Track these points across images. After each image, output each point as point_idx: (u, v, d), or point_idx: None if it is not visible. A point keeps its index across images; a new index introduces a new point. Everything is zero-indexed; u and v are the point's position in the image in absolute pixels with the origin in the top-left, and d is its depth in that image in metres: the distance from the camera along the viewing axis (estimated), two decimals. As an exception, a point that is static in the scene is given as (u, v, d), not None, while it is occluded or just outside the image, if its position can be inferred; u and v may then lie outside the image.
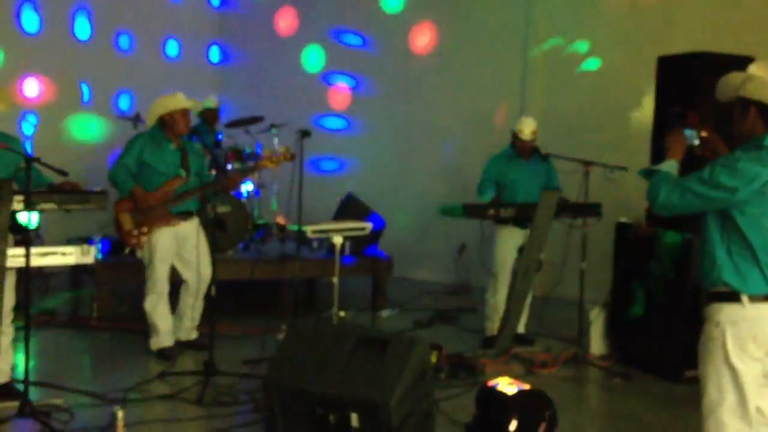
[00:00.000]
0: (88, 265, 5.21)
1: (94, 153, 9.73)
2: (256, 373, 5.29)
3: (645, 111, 7.45)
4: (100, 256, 6.91)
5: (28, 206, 4.30)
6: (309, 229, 6.18)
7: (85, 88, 9.87)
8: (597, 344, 6.27)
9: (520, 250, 6.16)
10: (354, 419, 3.93)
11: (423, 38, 9.65)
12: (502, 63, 9.11)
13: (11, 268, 4.39)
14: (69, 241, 7.47)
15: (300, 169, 6.74)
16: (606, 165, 6.28)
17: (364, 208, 7.94)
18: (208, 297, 5.83)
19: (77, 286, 8.03)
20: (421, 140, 9.65)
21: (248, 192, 8.25)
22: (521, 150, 6.39)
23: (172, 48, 10.63)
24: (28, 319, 4.41)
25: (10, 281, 4.52)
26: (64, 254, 4.53)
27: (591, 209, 6.23)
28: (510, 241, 6.30)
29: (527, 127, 6.34)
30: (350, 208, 8.01)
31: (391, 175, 9.74)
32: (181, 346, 6.01)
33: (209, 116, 8.56)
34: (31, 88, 9.45)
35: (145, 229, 5.72)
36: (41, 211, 4.63)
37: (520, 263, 6.03)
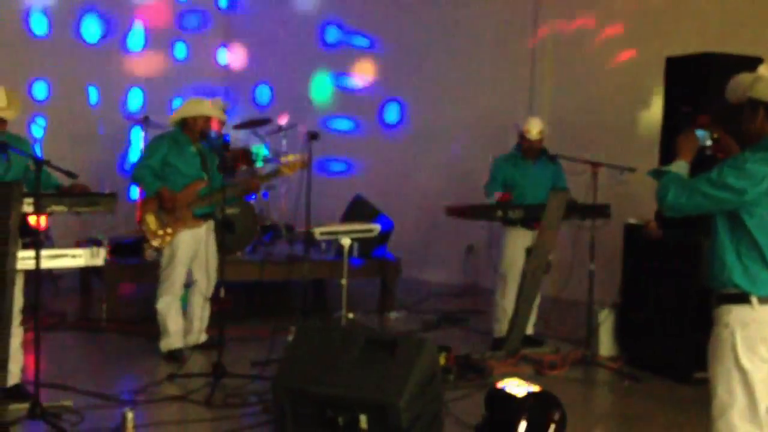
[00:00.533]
0: (97, 267, 5.22)
1: (103, 155, 9.78)
2: (265, 375, 5.29)
3: (653, 112, 7.44)
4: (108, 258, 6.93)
5: (38, 209, 4.32)
6: (317, 231, 6.18)
7: (93, 91, 9.90)
8: (606, 346, 6.26)
9: (529, 251, 6.15)
10: (363, 421, 3.94)
11: (430, 39, 9.64)
12: (510, 64, 9.10)
13: (21, 271, 4.41)
14: (78, 243, 7.49)
15: (308, 171, 6.75)
16: (614, 166, 6.27)
17: (372, 210, 7.94)
18: (216, 299, 5.85)
19: (86, 288, 8.05)
20: (429, 141, 9.65)
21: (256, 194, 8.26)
22: (528, 150, 6.38)
23: (180, 50, 10.66)
24: (38, 321, 4.42)
25: (19, 283, 4.53)
26: (73, 256, 4.54)
27: (599, 210, 6.22)
28: (518, 242, 6.29)
29: (534, 127, 6.33)
30: (358, 209, 8.02)
31: (398, 176, 9.75)
32: (191, 349, 6.02)
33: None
34: (40, 90, 9.49)
35: (170, 230, 5.77)
36: (51, 214, 4.63)
37: (528, 265, 6.02)
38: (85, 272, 7.90)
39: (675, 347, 5.70)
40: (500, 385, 4.41)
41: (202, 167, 5.84)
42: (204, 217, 5.89)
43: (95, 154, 9.55)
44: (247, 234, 7.44)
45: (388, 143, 9.97)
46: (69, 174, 4.37)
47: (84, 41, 9.82)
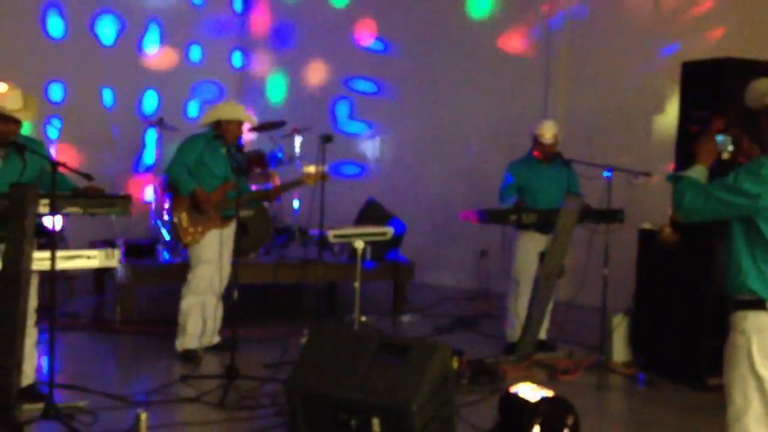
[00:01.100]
0: (111, 268, 5.25)
1: (118, 157, 9.82)
2: (278, 377, 5.30)
3: (669, 116, 7.41)
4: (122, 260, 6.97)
5: (53, 210, 4.34)
6: (331, 234, 6.19)
7: (108, 93, 9.95)
8: (619, 351, 6.22)
9: (542, 255, 6.13)
10: (375, 424, 3.93)
11: (445, 43, 9.64)
12: (524, 67, 9.08)
13: (36, 271, 4.43)
14: (92, 245, 7.53)
15: (324, 179, 6.76)
16: (629, 170, 6.24)
17: (386, 213, 7.94)
18: (228, 300, 5.87)
19: (100, 289, 8.09)
20: (442, 145, 9.64)
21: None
22: (542, 154, 6.36)
23: (195, 53, 10.70)
24: (53, 321, 4.44)
25: (34, 283, 4.56)
26: (88, 257, 4.57)
27: (614, 215, 6.20)
28: (531, 246, 6.27)
29: (548, 131, 6.31)
30: (371, 212, 8.02)
31: (412, 180, 9.74)
32: (204, 351, 6.04)
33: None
34: (56, 92, 9.55)
35: (200, 228, 5.83)
36: (66, 215, 4.65)
37: (542, 269, 6.00)
38: (100, 273, 7.93)
39: (689, 353, 5.67)
40: (513, 389, 4.40)
41: (231, 169, 5.88)
42: (229, 218, 5.95)
43: (110, 156, 9.59)
44: (260, 236, 7.45)
45: (402, 146, 9.96)
46: (84, 176, 4.39)
47: (100, 43, 9.87)
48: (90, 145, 9.38)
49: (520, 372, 5.70)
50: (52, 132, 9.44)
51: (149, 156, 9.73)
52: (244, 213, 6.88)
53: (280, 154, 8.34)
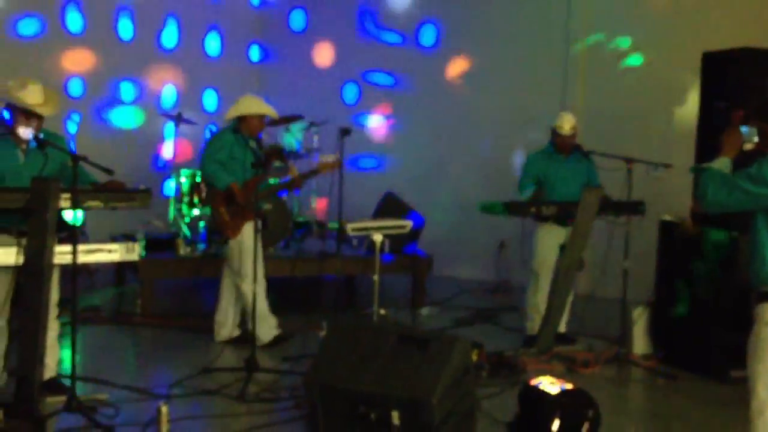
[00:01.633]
0: (132, 262, 5.28)
1: (138, 151, 9.87)
2: (298, 370, 5.31)
3: (689, 107, 7.35)
4: (144, 254, 7.01)
5: (75, 204, 4.37)
6: (349, 227, 6.20)
7: (128, 87, 10.00)
8: (640, 344, 6.20)
9: (562, 248, 6.11)
10: (395, 417, 3.93)
11: (461, 33, 9.60)
12: (542, 59, 9.04)
13: (57, 265, 4.47)
14: (113, 238, 7.58)
15: (340, 167, 6.75)
16: (649, 162, 6.20)
17: (404, 206, 7.93)
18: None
19: (121, 282, 8.15)
20: (460, 137, 9.62)
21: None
22: (561, 146, 6.33)
23: (213, 47, 10.73)
24: (75, 315, 4.47)
25: (55, 277, 4.59)
26: (109, 251, 4.60)
27: (634, 207, 6.16)
28: (551, 239, 6.25)
29: (567, 123, 6.28)
30: (390, 205, 8.02)
31: (430, 172, 9.73)
32: (224, 343, 6.08)
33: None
34: (76, 87, 9.60)
35: (239, 222, 5.90)
36: (87, 209, 4.68)
37: (561, 262, 5.98)
38: (121, 267, 7.98)
39: (711, 345, 5.63)
40: (534, 382, 4.38)
41: (252, 163, 5.92)
42: (261, 210, 6.04)
43: (130, 151, 9.64)
44: (279, 230, 7.47)
45: (420, 139, 9.95)
46: (105, 170, 4.41)
47: (119, 38, 9.91)
48: (109, 139, 9.42)
49: (539, 365, 5.69)
50: (72, 126, 9.50)
51: (168, 150, 9.78)
52: (265, 206, 6.92)
53: (297, 148, 8.35)
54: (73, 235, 4.43)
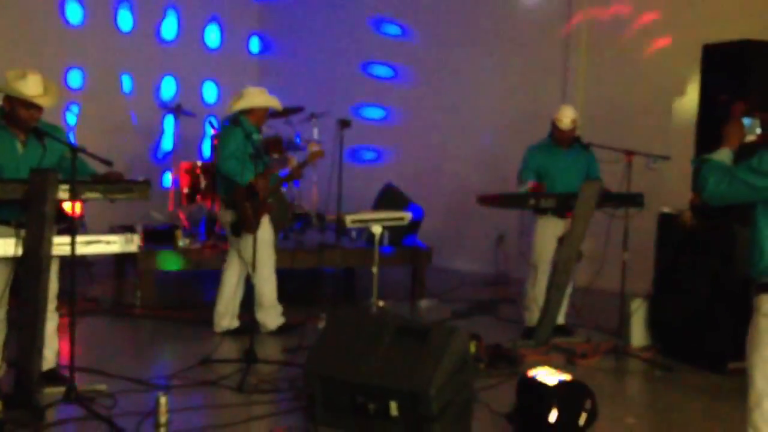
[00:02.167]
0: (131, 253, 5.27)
1: (137, 143, 9.87)
2: (297, 362, 5.32)
3: (690, 100, 7.34)
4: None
5: (73, 195, 4.37)
6: (348, 219, 6.20)
7: (127, 79, 9.99)
8: (638, 336, 6.20)
9: (560, 240, 6.11)
10: (393, 408, 3.95)
11: (462, 26, 9.59)
12: (543, 50, 9.02)
13: (56, 257, 4.47)
14: (112, 230, 7.58)
15: (339, 159, 6.77)
16: (649, 154, 6.20)
17: (403, 198, 7.93)
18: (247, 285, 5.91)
19: (120, 274, 8.15)
20: (460, 129, 9.61)
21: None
22: (560, 139, 6.33)
23: (213, 38, 10.72)
24: (74, 306, 4.48)
25: (54, 268, 4.60)
26: (108, 243, 4.60)
27: (633, 199, 6.16)
28: (549, 231, 6.25)
29: (566, 116, 6.27)
30: (389, 197, 8.02)
31: (429, 164, 9.72)
32: (223, 334, 6.09)
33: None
34: (75, 78, 9.59)
35: (260, 215, 5.95)
36: (86, 201, 4.68)
37: (560, 254, 5.98)
38: (120, 258, 7.99)
39: (709, 337, 5.64)
40: (531, 373, 4.39)
41: (251, 155, 5.92)
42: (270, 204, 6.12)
43: (129, 142, 9.64)
44: (278, 222, 7.46)
45: (419, 131, 9.94)
46: (104, 161, 4.41)
47: (119, 30, 9.90)
48: (108, 131, 9.42)
49: (538, 356, 5.70)
50: (71, 118, 9.49)
51: (167, 142, 9.78)
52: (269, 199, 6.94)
53: (297, 140, 8.35)
54: (71, 226, 4.43)
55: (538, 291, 6.23)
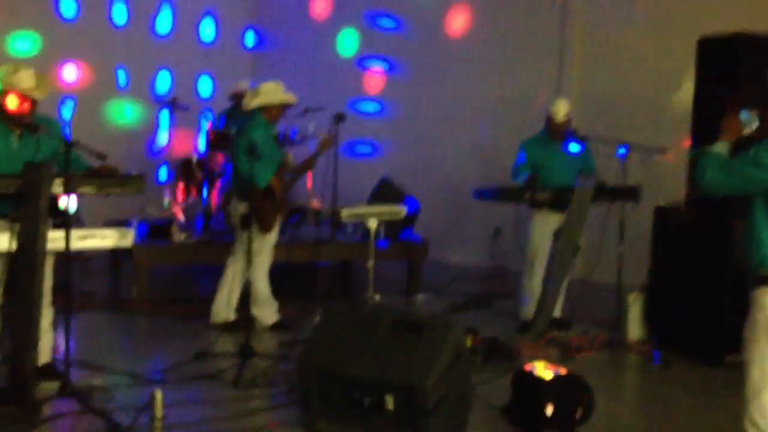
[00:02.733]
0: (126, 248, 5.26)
1: (132, 137, 9.84)
2: (292, 356, 5.31)
3: (685, 93, 7.33)
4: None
5: (68, 190, 4.35)
6: (344, 213, 6.19)
7: (122, 73, 9.96)
8: (634, 329, 6.20)
9: (556, 234, 6.11)
10: (389, 402, 3.94)
11: (458, 20, 9.58)
12: (538, 44, 9.01)
13: (51, 251, 4.45)
14: (107, 224, 7.55)
15: (335, 153, 6.74)
16: (645, 147, 6.19)
17: (399, 192, 7.92)
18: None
19: (116, 268, 8.13)
20: (455, 123, 9.60)
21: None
22: (555, 133, 6.32)
23: (208, 32, 10.68)
24: (69, 300, 4.46)
25: (49, 263, 4.58)
26: (102, 237, 4.58)
27: (629, 193, 6.15)
28: (546, 225, 6.25)
29: (561, 110, 6.27)
30: (385, 191, 8.00)
31: (425, 158, 9.71)
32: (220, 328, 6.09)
33: (241, 101, 8.56)
34: (70, 73, 9.56)
35: (276, 215, 6.00)
36: (80, 195, 4.66)
37: (556, 247, 5.98)
38: (116, 253, 7.97)
39: (705, 330, 5.64)
40: (527, 367, 4.39)
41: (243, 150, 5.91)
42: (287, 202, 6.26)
43: (124, 137, 9.61)
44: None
45: (415, 125, 9.93)
46: (98, 155, 4.40)
47: (113, 24, 9.86)
48: (104, 124, 9.39)
49: (534, 350, 5.69)
50: (66, 112, 9.46)
51: (163, 136, 9.75)
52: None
53: (292, 134, 8.32)
54: (66, 221, 4.41)
55: (534, 285, 6.23)
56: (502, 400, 4.44)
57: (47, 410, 4.31)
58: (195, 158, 8.13)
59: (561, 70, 8.78)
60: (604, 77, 8.48)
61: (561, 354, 5.74)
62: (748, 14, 7.06)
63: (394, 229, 7.60)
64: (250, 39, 11.21)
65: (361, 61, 10.36)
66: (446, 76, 9.66)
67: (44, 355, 4.70)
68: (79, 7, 9.59)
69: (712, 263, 5.63)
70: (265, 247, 6.07)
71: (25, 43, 9.07)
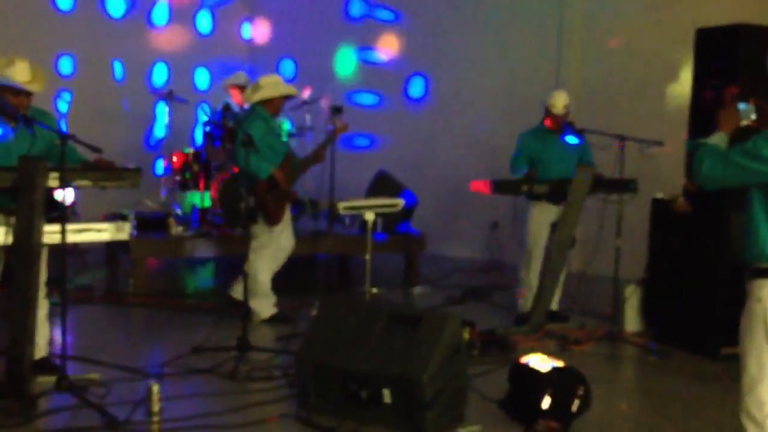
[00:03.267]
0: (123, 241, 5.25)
1: (129, 130, 9.81)
2: (290, 349, 5.31)
3: (682, 84, 7.32)
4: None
5: (63, 183, 4.34)
6: (341, 206, 6.18)
7: (118, 65, 9.92)
8: (632, 321, 6.21)
9: (554, 226, 6.10)
10: (386, 395, 3.94)
11: (455, 12, 9.54)
12: (536, 35, 8.98)
13: (47, 244, 4.43)
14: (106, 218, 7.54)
15: (332, 146, 6.72)
16: (642, 140, 6.18)
17: (396, 185, 7.91)
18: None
19: (113, 262, 8.11)
20: (453, 116, 9.58)
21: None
22: (553, 125, 6.31)
23: (204, 24, 10.65)
24: (65, 294, 4.45)
25: (44, 256, 4.56)
26: (99, 231, 4.57)
27: (626, 185, 6.14)
28: (543, 217, 6.23)
29: (560, 102, 6.25)
30: (382, 184, 7.99)
31: (423, 151, 9.69)
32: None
33: (238, 93, 8.54)
34: (66, 65, 9.53)
35: (282, 207, 5.99)
36: (76, 188, 4.65)
37: (553, 240, 5.98)
38: (112, 246, 7.95)
39: (702, 323, 5.64)
40: (524, 360, 4.39)
41: (239, 142, 5.90)
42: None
43: (120, 129, 9.58)
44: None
45: (413, 118, 9.91)
46: (93, 148, 4.37)
47: (109, 16, 9.82)
48: (100, 118, 9.36)
49: (531, 343, 5.70)
50: (62, 105, 9.43)
51: (159, 129, 9.72)
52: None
53: (290, 127, 8.31)
54: (62, 214, 4.40)
55: (531, 277, 6.23)
56: (499, 393, 4.44)
57: (44, 404, 4.30)
58: (192, 151, 8.10)
59: (559, 62, 8.76)
60: (603, 69, 8.46)
61: (558, 346, 5.74)
62: (747, 5, 7.05)
63: (391, 222, 7.60)
64: (247, 31, 11.17)
65: (358, 53, 10.32)
66: (444, 69, 9.63)
67: (41, 349, 4.69)
68: (74, -1, 9.56)
69: (709, 255, 5.62)
70: (273, 240, 6.06)
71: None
